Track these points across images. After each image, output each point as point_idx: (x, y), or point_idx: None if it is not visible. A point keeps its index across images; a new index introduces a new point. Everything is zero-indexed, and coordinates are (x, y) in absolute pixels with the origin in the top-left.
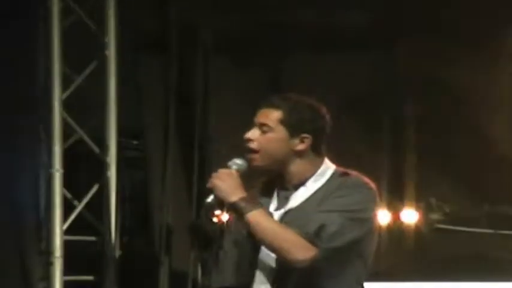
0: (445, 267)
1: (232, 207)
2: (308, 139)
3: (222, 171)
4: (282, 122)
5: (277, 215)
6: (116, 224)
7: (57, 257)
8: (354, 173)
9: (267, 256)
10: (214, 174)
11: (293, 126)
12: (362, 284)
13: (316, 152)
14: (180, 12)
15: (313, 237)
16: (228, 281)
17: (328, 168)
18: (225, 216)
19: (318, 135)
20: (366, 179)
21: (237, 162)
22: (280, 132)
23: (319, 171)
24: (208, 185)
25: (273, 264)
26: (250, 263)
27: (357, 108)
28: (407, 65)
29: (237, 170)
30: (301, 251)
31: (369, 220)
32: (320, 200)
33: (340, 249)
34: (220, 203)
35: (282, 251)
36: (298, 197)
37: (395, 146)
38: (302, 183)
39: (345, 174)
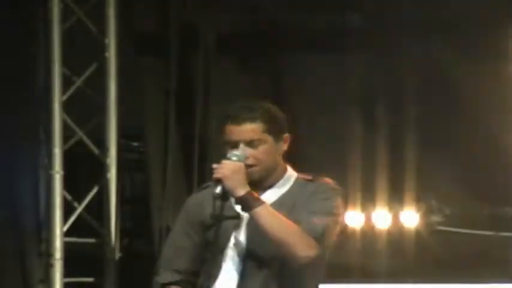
0: (445, 269)
1: (239, 201)
2: (288, 137)
3: (230, 163)
4: (266, 131)
5: (246, 214)
6: (116, 225)
7: (57, 259)
8: (322, 178)
9: (238, 248)
10: (220, 165)
11: (276, 131)
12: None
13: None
14: (180, 12)
15: (319, 237)
16: (180, 272)
17: (292, 174)
18: None
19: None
20: (336, 184)
21: (237, 154)
22: (269, 140)
23: (286, 175)
24: (217, 175)
25: (244, 257)
26: (211, 255)
27: (357, 108)
28: (407, 65)
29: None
30: (308, 247)
31: (340, 223)
32: (294, 204)
33: (327, 249)
34: (226, 194)
35: (289, 245)
36: (267, 198)
37: (395, 146)
38: (270, 185)
39: (314, 179)
